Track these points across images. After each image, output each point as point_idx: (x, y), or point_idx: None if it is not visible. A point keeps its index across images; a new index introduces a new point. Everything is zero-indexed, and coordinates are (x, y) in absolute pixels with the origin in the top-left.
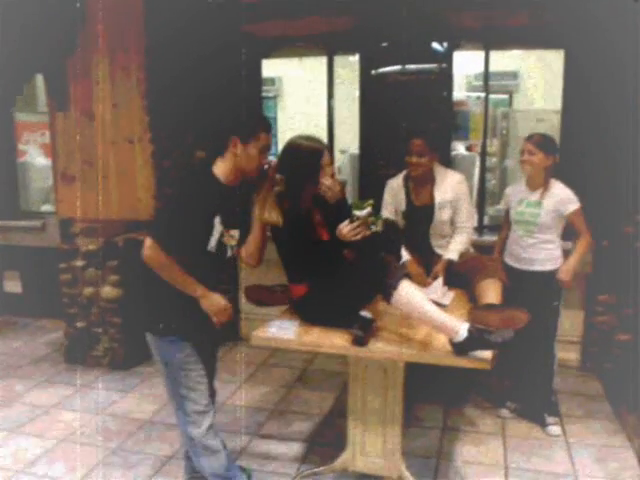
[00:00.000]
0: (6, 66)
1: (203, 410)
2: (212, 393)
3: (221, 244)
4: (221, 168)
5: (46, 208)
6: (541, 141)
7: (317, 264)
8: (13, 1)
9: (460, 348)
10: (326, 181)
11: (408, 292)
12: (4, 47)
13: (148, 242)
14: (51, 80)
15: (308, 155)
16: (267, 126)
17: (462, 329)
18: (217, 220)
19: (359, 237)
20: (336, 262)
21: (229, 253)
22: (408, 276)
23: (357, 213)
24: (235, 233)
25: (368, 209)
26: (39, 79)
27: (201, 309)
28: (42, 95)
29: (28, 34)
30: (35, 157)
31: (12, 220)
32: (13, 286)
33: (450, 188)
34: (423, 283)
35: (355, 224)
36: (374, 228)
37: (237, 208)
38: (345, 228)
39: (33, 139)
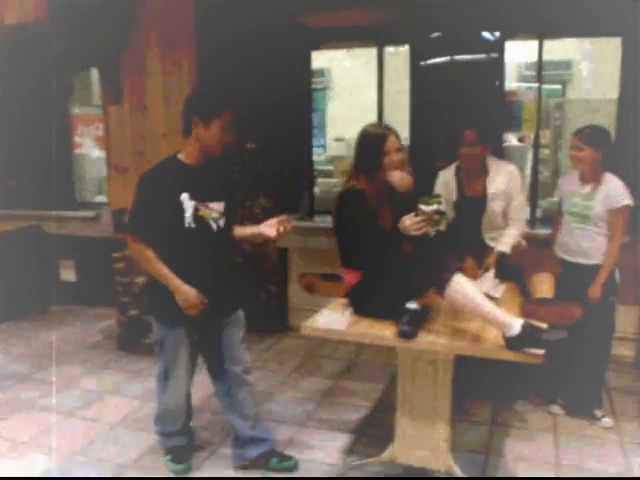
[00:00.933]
0: (63, 60)
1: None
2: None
3: (201, 219)
4: (186, 150)
5: (100, 199)
6: (590, 135)
7: (376, 252)
8: None
9: (512, 343)
10: (395, 173)
11: (462, 285)
12: (60, 42)
13: (128, 237)
14: (105, 74)
15: (371, 140)
16: (230, 105)
17: (516, 324)
18: (185, 197)
19: (420, 232)
20: (395, 253)
21: (214, 227)
22: (462, 270)
23: (423, 208)
24: (216, 205)
25: (434, 206)
26: (94, 73)
27: (205, 295)
28: (97, 89)
29: (83, 29)
30: (89, 149)
31: (67, 210)
32: (68, 275)
33: (503, 180)
34: (474, 275)
35: (419, 219)
36: (438, 227)
37: (209, 183)
38: (408, 221)
39: (88, 132)
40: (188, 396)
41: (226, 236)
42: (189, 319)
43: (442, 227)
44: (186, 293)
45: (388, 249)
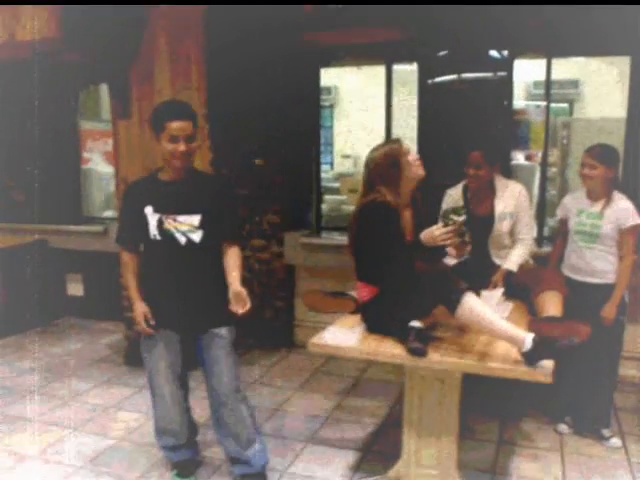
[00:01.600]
0: (73, 76)
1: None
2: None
3: (166, 231)
4: (163, 167)
5: (108, 214)
6: (602, 153)
7: (398, 267)
8: (79, 11)
9: (530, 358)
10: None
11: (472, 304)
12: (71, 58)
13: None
14: (114, 89)
15: (388, 148)
16: (172, 114)
17: (527, 338)
18: (148, 210)
19: (448, 242)
20: (412, 268)
21: (182, 240)
22: (471, 288)
23: (454, 218)
24: (187, 219)
25: (464, 217)
26: (103, 88)
27: (170, 306)
28: (106, 104)
29: (94, 45)
30: (98, 164)
31: (75, 225)
32: (75, 289)
33: (511, 199)
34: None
35: (450, 228)
36: (463, 237)
37: (181, 196)
38: (438, 230)
39: (96, 147)
40: (187, 410)
41: (201, 250)
42: (160, 330)
43: (467, 238)
44: (135, 310)
45: (408, 264)
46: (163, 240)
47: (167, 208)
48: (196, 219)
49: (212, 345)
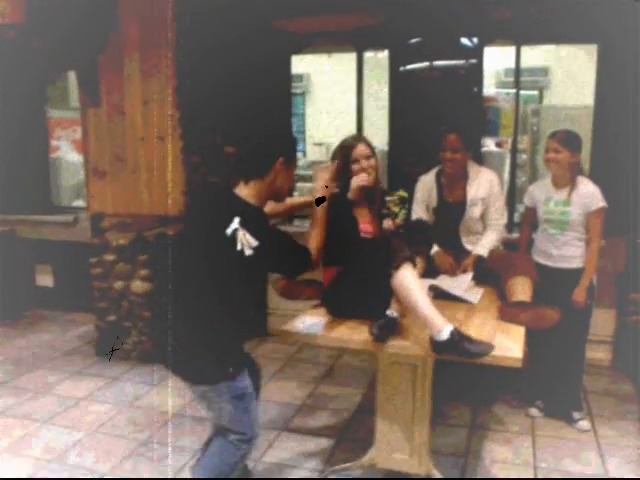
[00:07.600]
0: (39, 63)
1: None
2: None
3: None
4: (256, 191)
5: (77, 203)
6: (566, 138)
7: (349, 253)
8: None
9: (438, 348)
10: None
11: (406, 276)
12: (37, 44)
13: None
14: (83, 77)
15: (340, 150)
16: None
17: (446, 330)
18: None
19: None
20: (364, 252)
21: None
22: (413, 262)
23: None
24: None
25: (396, 197)
26: (71, 76)
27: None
28: (74, 92)
29: (61, 31)
30: (67, 153)
31: (44, 215)
32: (45, 280)
33: (483, 185)
34: (452, 272)
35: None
36: (394, 217)
37: None
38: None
39: (65, 135)
40: None
41: None
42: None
43: (398, 219)
44: None
45: (359, 249)
46: None
47: None
48: None
49: None
